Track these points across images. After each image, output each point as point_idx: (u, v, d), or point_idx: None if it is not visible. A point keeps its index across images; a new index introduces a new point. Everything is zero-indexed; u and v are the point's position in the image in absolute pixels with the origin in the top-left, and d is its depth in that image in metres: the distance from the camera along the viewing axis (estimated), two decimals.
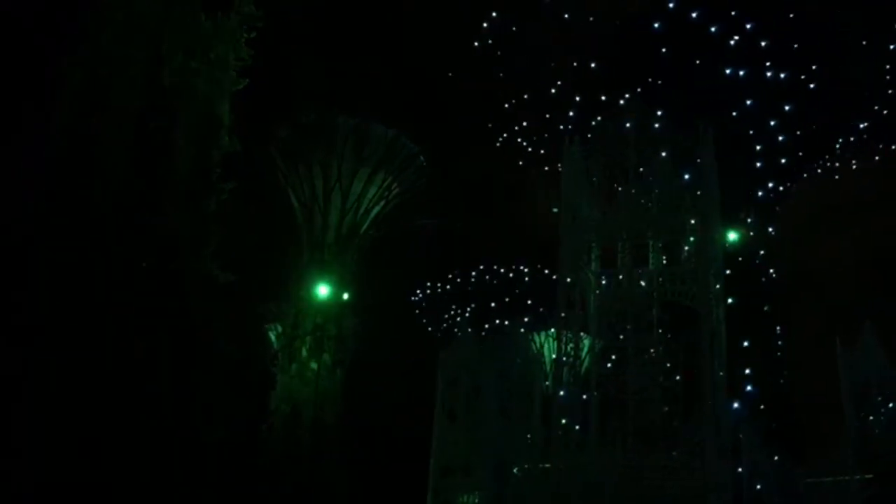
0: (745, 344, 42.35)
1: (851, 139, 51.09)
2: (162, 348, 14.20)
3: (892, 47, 44.38)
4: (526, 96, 46.43)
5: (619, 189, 39.82)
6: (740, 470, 35.14)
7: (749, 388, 41.73)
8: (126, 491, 13.43)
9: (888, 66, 45.35)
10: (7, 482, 12.78)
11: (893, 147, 52.58)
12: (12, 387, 13.10)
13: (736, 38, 44.90)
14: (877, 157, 53.73)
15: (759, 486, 37.60)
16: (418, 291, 67.24)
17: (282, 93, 38.24)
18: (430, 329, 69.65)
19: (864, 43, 44.08)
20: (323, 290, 39.89)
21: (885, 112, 48.94)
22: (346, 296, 40.73)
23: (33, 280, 13.51)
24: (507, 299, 65.46)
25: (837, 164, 54.15)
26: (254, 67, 17.51)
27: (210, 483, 14.68)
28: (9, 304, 13.31)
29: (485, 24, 42.21)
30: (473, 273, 66.90)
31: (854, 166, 54.30)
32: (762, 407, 41.61)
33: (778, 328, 48.36)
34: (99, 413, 13.48)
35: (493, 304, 65.63)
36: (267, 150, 39.82)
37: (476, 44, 42.71)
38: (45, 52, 14.59)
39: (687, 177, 34.99)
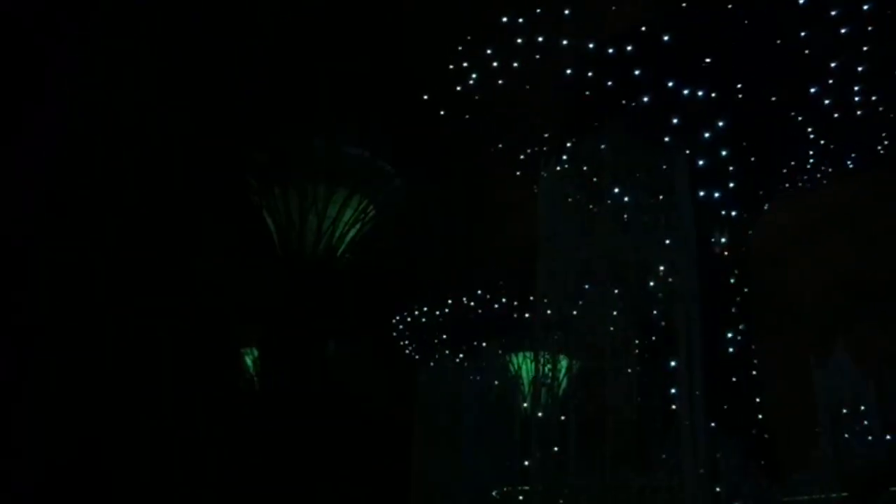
0: (722, 364, 42.56)
1: (823, 164, 51.90)
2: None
3: (860, 69, 45.16)
4: (502, 118, 46.75)
5: (596, 210, 40.08)
6: (718, 490, 35.24)
7: (725, 406, 41.85)
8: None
9: (857, 88, 46.15)
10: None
11: (851, 166, 53.49)
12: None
13: (708, 59, 45.50)
14: (844, 178, 54.61)
15: None
16: (397, 315, 67.11)
17: (260, 114, 38.27)
18: (408, 351, 69.52)
19: (832, 66, 44.84)
20: (300, 314, 39.71)
21: (845, 133, 49.78)
22: (322, 319, 40.56)
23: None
24: (485, 321, 65.50)
25: (809, 186, 54.94)
26: (232, 88, 17.47)
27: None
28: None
29: (460, 48, 42.49)
30: (451, 295, 66.93)
31: (825, 184, 55.12)
32: (739, 426, 41.73)
33: (753, 347, 48.65)
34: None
35: (471, 326, 65.64)
36: (243, 173, 39.78)
37: (451, 66, 42.96)
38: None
39: (662, 198, 35.29)
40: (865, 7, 40.42)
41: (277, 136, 38.41)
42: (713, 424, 37.63)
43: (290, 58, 34.28)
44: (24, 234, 13.75)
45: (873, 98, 46.28)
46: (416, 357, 67.21)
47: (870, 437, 45.63)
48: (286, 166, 39.55)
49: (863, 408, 45.78)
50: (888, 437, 49.22)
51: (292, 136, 39.03)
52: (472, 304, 66.47)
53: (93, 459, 13.47)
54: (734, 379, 44.73)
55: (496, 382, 52.95)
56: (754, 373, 48.08)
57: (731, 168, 48.48)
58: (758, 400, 47.12)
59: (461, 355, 60.21)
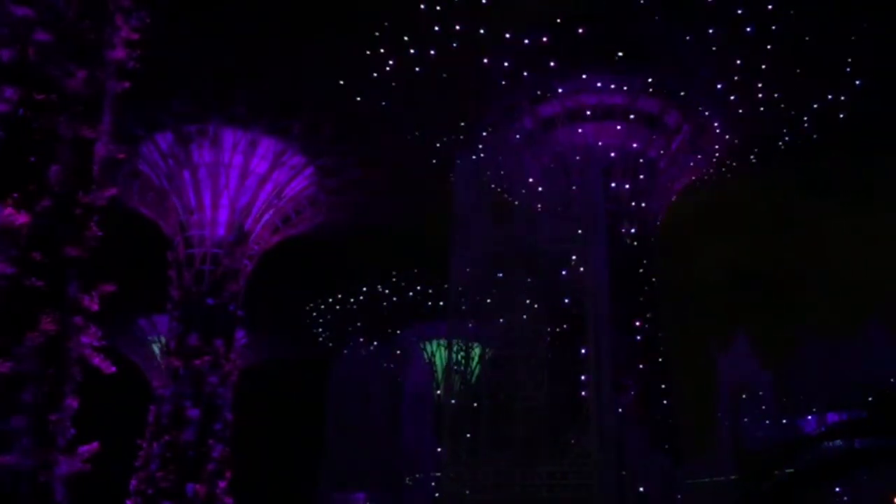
0: (630, 351, 43.65)
1: (725, 153, 53.67)
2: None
3: (764, 67, 46.82)
4: (418, 105, 46.66)
5: (509, 199, 40.48)
6: (625, 474, 36.22)
7: (632, 393, 43.04)
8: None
9: (759, 85, 47.84)
10: None
11: (754, 160, 55.54)
12: None
13: (620, 53, 46.41)
14: (749, 169, 56.57)
15: (642, 489, 38.93)
16: (309, 301, 66.48)
17: (168, 95, 37.19)
18: (322, 339, 68.95)
19: (738, 62, 46.35)
20: (210, 300, 38.92)
21: (752, 124, 51.61)
22: (233, 306, 39.83)
23: None
24: (398, 308, 65.49)
25: (714, 178, 56.72)
26: (140, 69, 16.83)
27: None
28: None
29: (376, 33, 42.09)
30: (366, 283, 66.67)
31: (729, 177, 57.00)
32: (645, 412, 42.97)
33: (660, 335, 50.07)
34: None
35: (385, 314, 65.53)
36: (151, 156, 38.69)
37: (368, 52, 42.55)
38: None
39: (574, 188, 35.91)
40: (769, 6, 41.86)
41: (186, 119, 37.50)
42: (620, 410, 38.66)
43: (201, 41, 33.32)
44: None
45: (775, 95, 48.01)
46: (330, 344, 66.78)
47: (767, 422, 47.65)
48: (197, 150, 38.62)
49: (761, 393, 47.72)
50: (784, 421, 51.50)
51: (203, 119, 38.10)
52: (386, 291, 66.39)
53: None
54: (641, 366, 46.01)
55: (410, 370, 53.12)
56: (660, 360, 49.55)
57: (640, 160, 49.75)
58: (663, 386, 48.58)
59: (375, 343, 60.10)
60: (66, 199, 14.82)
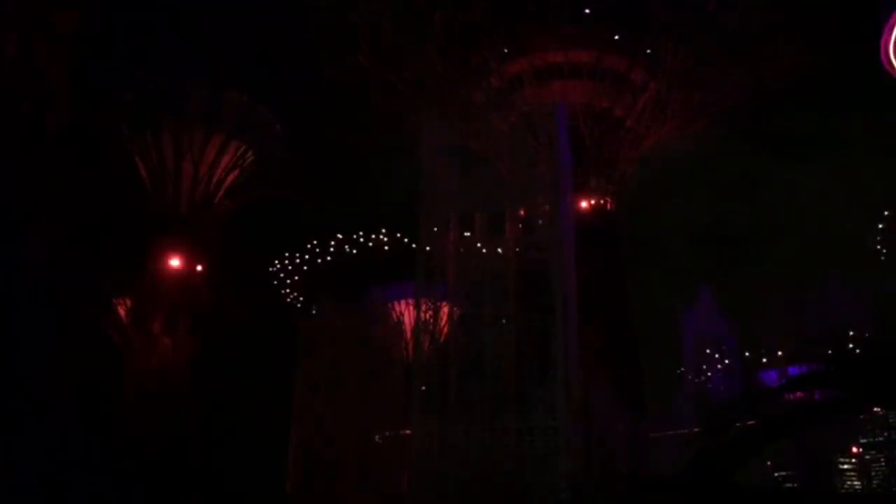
0: (596, 308, 44.08)
1: (691, 112, 53.98)
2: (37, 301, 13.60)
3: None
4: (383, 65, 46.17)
5: (477, 159, 40.33)
6: (592, 429, 36.79)
7: (599, 348, 43.55)
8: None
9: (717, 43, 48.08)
10: None
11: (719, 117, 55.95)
12: None
13: (587, 10, 46.21)
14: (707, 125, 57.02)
15: (607, 443, 39.62)
16: (277, 262, 66.15)
17: (127, 53, 36.44)
18: (289, 299, 68.75)
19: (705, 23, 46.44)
20: (175, 263, 38.59)
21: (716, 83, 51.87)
22: (199, 267, 39.55)
23: None
24: (367, 268, 65.40)
25: (678, 136, 57.04)
26: (97, 27, 16.40)
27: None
28: None
29: None
30: (333, 242, 66.41)
31: (692, 137, 57.38)
32: (611, 367, 43.55)
33: (625, 291, 50.63)
34: None
35: (353, 274, 65.43)
36: (111, 117, 37.96)
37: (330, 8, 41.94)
38: None
39: (541, 146, 35.82)
40: None
41: (149, 77, 36.81)
42: (587, 367, 39.13)
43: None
44: None
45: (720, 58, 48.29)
46: (298, 304, 66.63)
47: (730, 375, 48.60)
48: (159, 110, 37.98)
49: (724, 348, 48.55)
50: (746, 374, 52.55)
51: (165, 76, 37.43)
52: (354, 251, 66.22)
53: None
54: (607, 322, 46.56)
55: (378, 329, 53.20)
56: (626, 316, 50.17)
57: (607, 119, 49.80)
58: (628, 342, 49.27)
59: (343, 302, 60.02)
60: None
